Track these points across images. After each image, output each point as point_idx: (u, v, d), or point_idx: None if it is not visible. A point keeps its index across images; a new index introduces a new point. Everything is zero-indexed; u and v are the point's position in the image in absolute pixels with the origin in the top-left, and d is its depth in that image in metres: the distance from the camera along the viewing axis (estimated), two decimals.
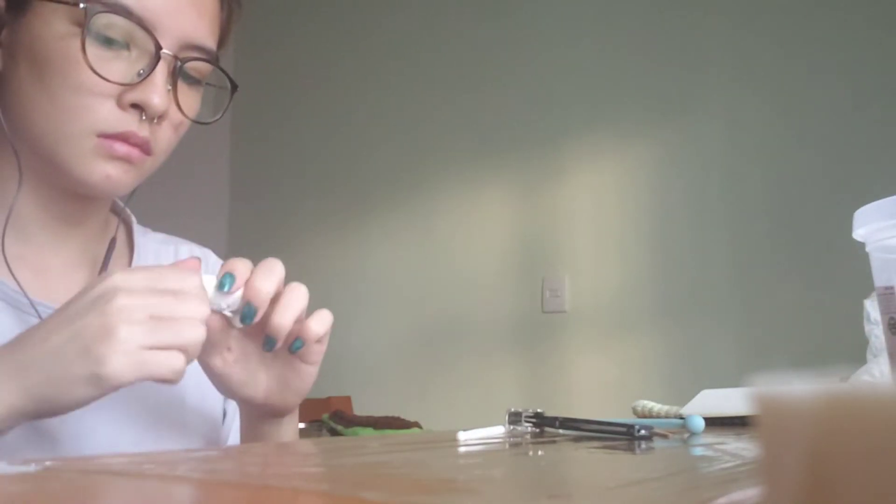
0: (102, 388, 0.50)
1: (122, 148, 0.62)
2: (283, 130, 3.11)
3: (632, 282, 2.27)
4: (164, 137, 0.65)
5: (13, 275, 0.64)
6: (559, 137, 2.44)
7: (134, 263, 0.74)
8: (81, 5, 0.59)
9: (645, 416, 0.84)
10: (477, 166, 2.58)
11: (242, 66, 3.30)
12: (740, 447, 0.54)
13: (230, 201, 3.22)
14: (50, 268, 0.68)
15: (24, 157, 0.63)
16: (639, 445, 0.56)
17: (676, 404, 0.86)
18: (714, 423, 0.71)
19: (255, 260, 0.61)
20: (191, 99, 0.67)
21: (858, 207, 0.48)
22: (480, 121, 2.60)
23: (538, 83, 2.51)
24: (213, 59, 0.67)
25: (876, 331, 0.69)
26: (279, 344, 0.59)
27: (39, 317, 0.63)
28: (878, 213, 0.46)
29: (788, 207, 2.08)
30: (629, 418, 0.74)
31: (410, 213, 2.72)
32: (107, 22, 0.60)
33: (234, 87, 0.70)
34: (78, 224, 0.70)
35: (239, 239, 3.10)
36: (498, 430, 0.63)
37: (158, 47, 0.61)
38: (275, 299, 0.59)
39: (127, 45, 0.62)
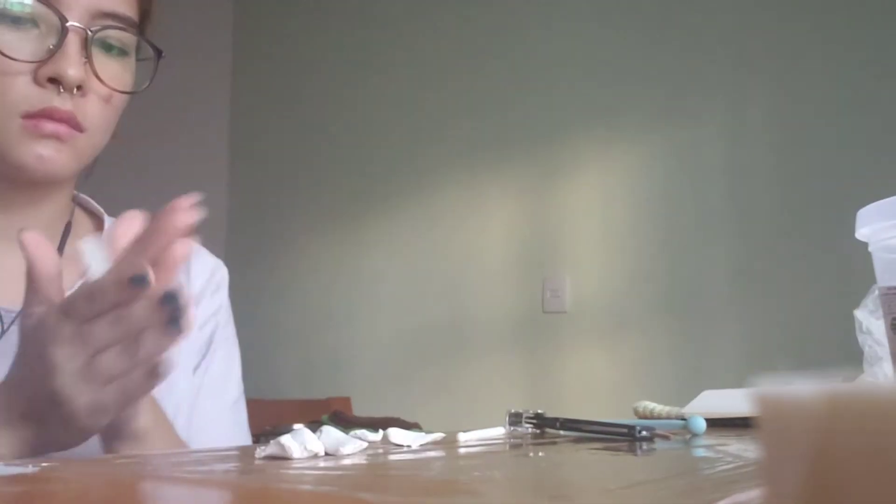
0: (92, 432, 0.51)
1: (48, 126, 0.62)
2: (282, 130, 3.11)
3: (633, 282, 2.27)
4: (94, 112, 0.65)
5: None
6: (559, 137, 2.44)
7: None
8: None
9: (646, 417, 0.84)
10: (477, 166, 2.58)
11: (242, 66, 3.31)
12: (742, 448, 0.54)
13: (229, 201, 3.22)
14: (3, 266, 0.67)
15: None
16: (640, 447, 0.56)
17: (678, 405, 0.86)
18: (716, 423, 0.71)
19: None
20: (113, 69, 0.66)
21: (863, 207, 0.48)
22: (481, 120, 2.60)
23: (539, 82, 2.51)
24: (128, 26, 0.67)
25: (869, 341, 0.69)
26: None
27: None
28: (880, 213, 0.46)
29: (791, 207, 2.08)
30: (630, 419, 0.74)
31: (410, 213, 2.72)
32: (9, 2, 0.61)
33: (159, 53, 0.70)
34: (28, 216, 0.69)
35: (238, 239, 3.10)
36: (498, 431, 0.63)
37: (63, 19, 0.62)
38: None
39: (35, 23, 0.62)
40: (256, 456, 0.44)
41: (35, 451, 0.51)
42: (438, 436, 0.56)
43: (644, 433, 0.58)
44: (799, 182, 2.08)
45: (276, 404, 2.46)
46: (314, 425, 0.50)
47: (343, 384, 2.70)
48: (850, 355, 0.71)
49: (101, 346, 0.48)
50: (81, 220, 0.76)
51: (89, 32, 0.64)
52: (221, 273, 0.82)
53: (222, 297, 0.81)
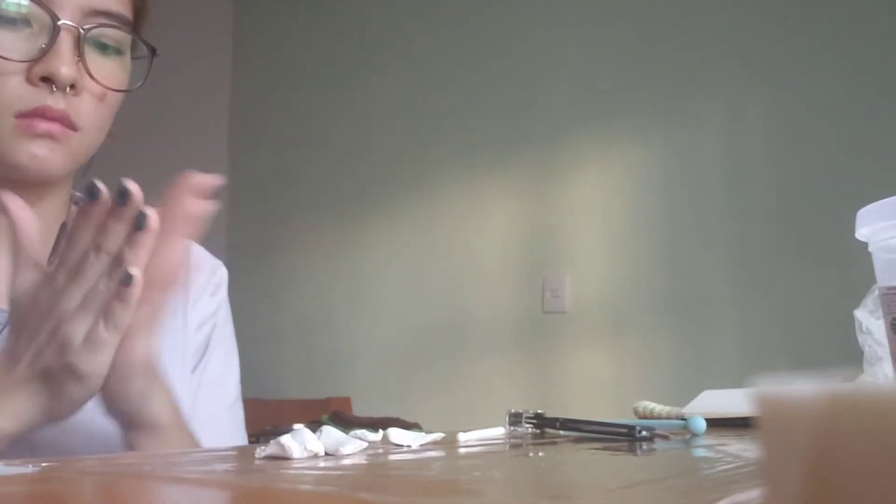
0: (95, 379, 0.52)
1: (41, 125, 0.62)
2: (282, 130, 3.11)
3: (633, 282, 2.27)
4: (88, 111, 0.65)
5: None
6: (559, 137, 2.44)
7: None
8: None
9: (646, 417, 0.84)
10: (477, 166, 2.58)
11: (242, 66, 3.31)
12: (742, 448, 0.54)
13: (229, 201, 3.22)
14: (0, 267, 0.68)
15: None
16: (640, 447, 0.56)
17: (678, 405, 0.86)
18: (716, 423, 0.71)
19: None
20: (108, 68, 0.66)
21: (863, 207, 0.48)
22: (481, 120, 2.60)
23: (539, 82, 2.51)
24: (121, 24, 0.66)
25: (869, 341, 0.69)
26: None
27: None
28: (880, 213, 0.46)
29: (792, 206, 2.08)
30: (630, 419, 0.74)
31: (410, 213, 2.72)
32: (3, 2, 0.61)
33: (153, 51, 0.70)
34: None
35: (238, 239, 3.10)
36: (498, 431, 0.63)
37: (55, 18, 0.62)
38: None
39: (28, 22, 0.63)
40: (256, 456, 0.44)
41: (49, 414, 0.53)
42: (438, 436, 0.56)
43: (644, 433, 0.58)
44: (799, 182, 2.08)
45: (276, 404, 2.47)
46: (314, 425, 0.50)
47: (343, 384, 2.70)
48: (850, 355, 0.71)
49: (90, 283, 0.51)
50: (67, 212, 0.76)
51: (81, 31, 0.64)
52: (220, 273, 0.82)
53: (221, 298, 0.81)
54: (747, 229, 2.13)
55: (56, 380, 0.52)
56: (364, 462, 0.45)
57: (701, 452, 0.56)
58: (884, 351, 0.65)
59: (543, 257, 2.43)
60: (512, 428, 0.65)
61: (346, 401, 2.62)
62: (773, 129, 2.13)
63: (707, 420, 0.67)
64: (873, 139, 1.99)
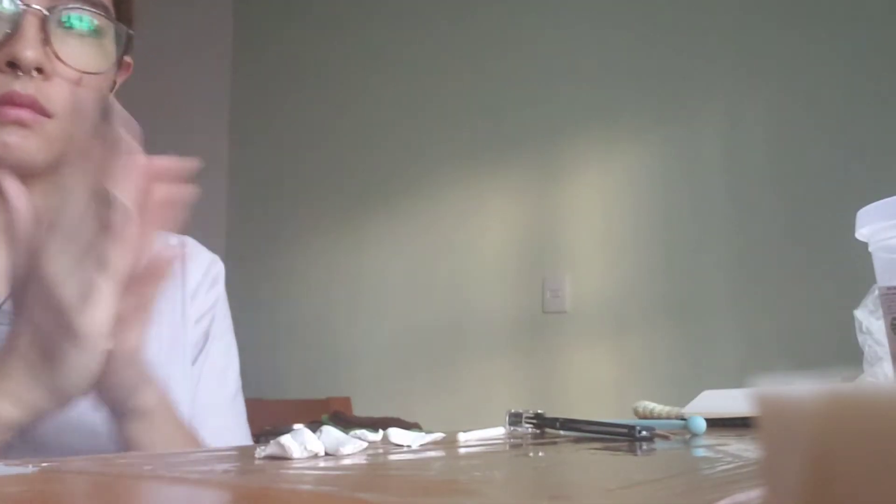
0: (94, 342, 0.51)
1: (10, 112, 0.61)
2: (282, 130, 3.11)
3: (633, 282, 2.27)
4: (61, 96, 0.63)
5: None
6: (559, 137, 2.44)
7: None
8: None
9: (646, 417, 0.84)
10: (477, 165, 2.58)
11: (242, 66, 3.30)
12: (742, 448, 0.54)
13: (228, 201, 3.22)
14: None
15: None
16: (640, 447, 0.56)
17: (678, 405, 0.86)
18: (716, 423, 0.71)
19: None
20: (80, 51, 0.65)
21: (863, 207, 0.48)
22: (481, 120, 2.60)
23: (539, 82, 2.51)
24: (93, 6, 0.65)
25: (869, 341, 0.69)
26: None
27: None
28: (880, 213, 0.46)
29: (793, 206, 2.08)
30: (630, 419, 0.74)
31: (410, 213, 2.72)
32: None
33: (127, 32, 0.68)
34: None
35: (238, 238, 3.10)
36: (498, 431, 0.63)
37: (18, 2, 0.61)
38: None
39: None
40: (256, 456, 0.44)
41: (53, 395, 0.52)
42: (438, 436, 0.56)
43: (644, 433, 0.58)
44: (799, 182, 2.08)
45: (276, 404, 2.46)
46: (314, 425, 0.50)
47: (343, 384, 2.70)
48: (850, 355, 0.71)
49: (79, 232, 0.50)
50: None
51: (45, 13, 0.62)
52: (217, 267, 0.83)
53: (219, 291, 0.82)
54: (747, 229, 2.13)
55: (56, 352, 0.51)
56: (364, 462, 0.45)
57: (701, 452, 0.56)
58: (884, 351, 0.65)
59: (543, 257, 2.43)
60: (512, 428, 0.65)
61: (346, 401, 2.62)
62: (773, 129, 2.13)
63: (707, 420, 0.67)
64: (873, 139, 1.99)
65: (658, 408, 0.84)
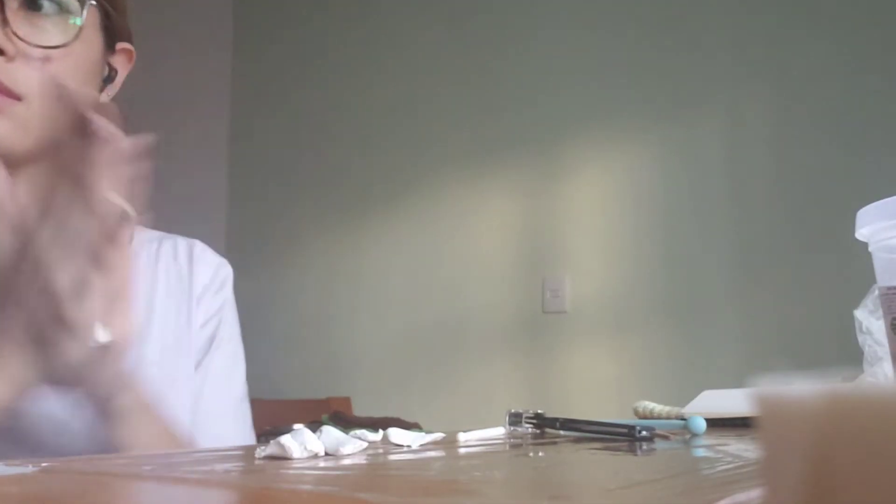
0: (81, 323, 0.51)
1: None
2: (282, 130, 3.11)
3: (633, 282, 2.27)
4: (29, 77, 0.61)
5: None
6: (559, 137, 2.44)
7: None
8: None
9: (646, 417, 0.84)
10: (477, 166, 2.58)
11: (242, 66, 3.30)
12: (742, 448, 0.54)
13: (228, 201, 3.22)
14: None
15: None
16: (640, 447, 0.55)
17: (678, 405, 0.86)
18: (716, 423, 0.71)
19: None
20: (43, 28, 0.62)
21: (863, 207, 0.48)
22: (481, 120, 2.60)
23: (539, 82, 2.51)
24: None
25: (869, 341, 0.69)
26: None
27: None
28: (880, 213, 0.46)
29: (792, 206, 2.08)
30: (630, 419, 0.74)
31: (410, 213, 2.72)
32: None
33: (89, 3, 0.65)
34: None
35: (237, 239, 3.10)
36: (498, 431, 0.63)
37: None
38: None
39: None
40: (256, 456, 0.44)
41: (44, 376, 0.52)
42: (438, 436, 0.56)
43: (644, 433, 0.58)
44: (799, 182, 2.08)
45: (276, 404, 2.46)
46: (314, 425, 0.50)
47: (343, 384, 2.70)
48: (850, 355, 0.71)
49: (70, 225, 0.50)
50: None
51: None
52: (225, 271, 0.82)
53: (226, 295, 0.81)
54: (747, 229, 2.13)
55: (49, 339, 0.51)
56: (364, 462, 0.45)
57: (701, 452, 0.56)
58: (884, 351, 0.65)
59: (543, 257, 2.43)
60: (512, 428, 0.65)
61: (346, 401, 2.62)
62: (773, 129, 2.13)
63: (707, 420, 0.67)
64: (873, 139, 1.99)
65: (658, 408, 0.84)
